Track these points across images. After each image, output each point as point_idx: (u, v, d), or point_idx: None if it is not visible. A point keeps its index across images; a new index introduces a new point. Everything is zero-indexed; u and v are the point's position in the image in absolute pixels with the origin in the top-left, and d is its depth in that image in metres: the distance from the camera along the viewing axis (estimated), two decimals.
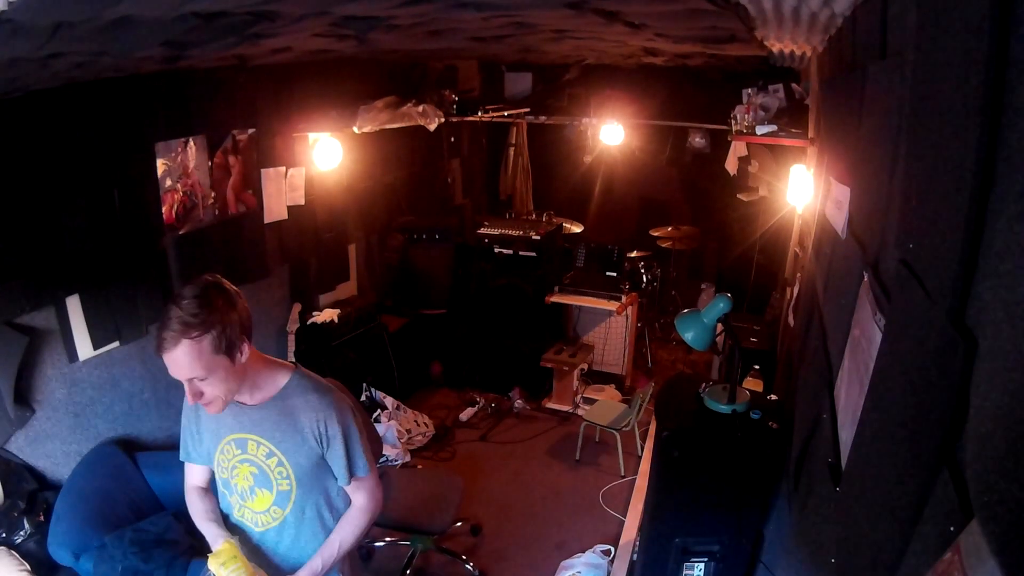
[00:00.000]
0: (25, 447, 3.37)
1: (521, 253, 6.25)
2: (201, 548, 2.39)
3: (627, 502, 4.84)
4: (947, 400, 0.99)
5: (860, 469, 1.50)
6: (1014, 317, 0.85)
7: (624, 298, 6.13)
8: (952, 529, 0.87)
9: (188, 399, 2.01)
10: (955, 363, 0.99)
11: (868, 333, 1.61)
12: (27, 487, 3.29)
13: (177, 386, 1.99)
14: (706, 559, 3.10)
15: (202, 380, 1.97)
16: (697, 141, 7.44)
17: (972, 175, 0.99)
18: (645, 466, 5.15)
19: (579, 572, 4.00)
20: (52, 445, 3.49)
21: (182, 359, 1.91)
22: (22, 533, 3.13)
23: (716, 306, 3.02)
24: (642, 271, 6.90)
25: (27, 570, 2.99)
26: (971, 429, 0.92)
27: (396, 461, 5.06)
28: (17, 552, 3.06)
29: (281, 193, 5.00)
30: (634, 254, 7.07)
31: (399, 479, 4.23)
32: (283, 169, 4.98)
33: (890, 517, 1.16)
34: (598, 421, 5.26)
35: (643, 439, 5.53)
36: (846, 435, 1.68)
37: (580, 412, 5.81)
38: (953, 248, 1.04)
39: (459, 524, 4.46)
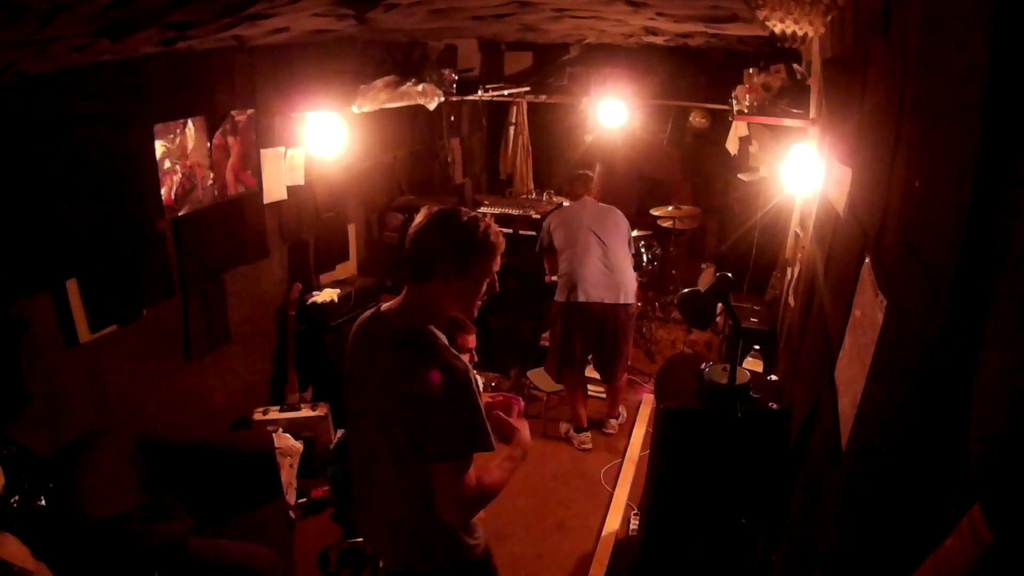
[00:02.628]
0: (25, 431, 3.37)
1: (521, 232, 6.24)
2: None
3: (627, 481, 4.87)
4: (949, 381, 0.99)
5: (860, 449, 1.50)
6: (1017, 298, 0.85)
7: None
8: (953, 513, 0.87)
9: None
10: (957, 344, 0.99)
11: (869, 314, 1.61)
12: (27, 472, 3.29)
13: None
14: (707, 538, 3.12)
15: None
16: (698, 121, 7.41)
17: (975, 156, 0.99)
18: (634, 449, 5.18)
19: None
20: (52, 429, 3.50)
21: None
22: (23, 518, 3.14)
23: (716, 286, 3.02)
24: (642, 251, 6.89)
25: (30, 555, 3.00)
26: (975, 410, 0.92)
27: None
28: (19, 537, 3.07)
29: (280, 173, 4.98)
30: (635, 233, 7.04)
31: None
32: (282, 149, 4.96)
33: (890, 498, 1.17)
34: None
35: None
36: (846, 416, 1.68)
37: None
38: (956, 230, 1.04)
39: None
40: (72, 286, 3.53)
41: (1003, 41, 0.94)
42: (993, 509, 0.73)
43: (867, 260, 1.75)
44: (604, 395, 5.71)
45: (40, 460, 3.37)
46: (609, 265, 5.09)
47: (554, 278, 5.31)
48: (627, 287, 5.14)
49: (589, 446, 5.30)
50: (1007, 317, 0.87)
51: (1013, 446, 0.74)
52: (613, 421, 5.57)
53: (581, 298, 4.99)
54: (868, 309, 1.64)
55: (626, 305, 5.11)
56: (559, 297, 5.14)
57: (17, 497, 3.13)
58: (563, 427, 5.53)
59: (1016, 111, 0.92)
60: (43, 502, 3.18)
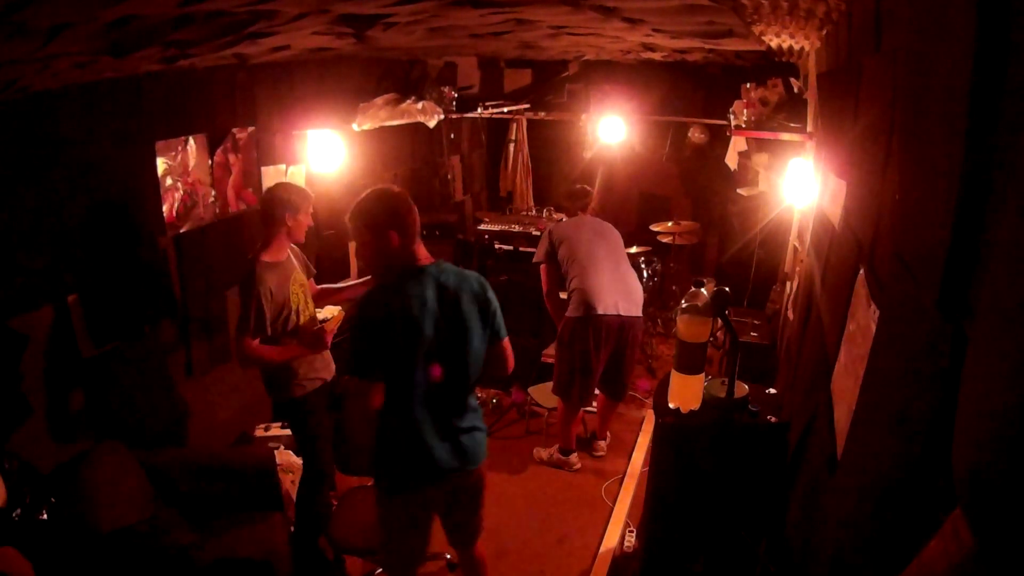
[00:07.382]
0: (27, 446, 3.38)
1: (522, 249, 6.25)
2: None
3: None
4: (936, 390, 1.00)
5: (854, 458, 1.51)
6: (1002, 308, 0.86)
7: None
8: (941, 516, 0.88)
9: None
10: (944, 353, 1.00)
11: (863, 325, 1.62)
12: (29, 486, 3.29)
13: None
14: (707, 552, 3.12)
15: None
16: (697, 136, 7.45)
17: (960, 168, 1.00)
18: (636, 465, 5.17)
19: None
20: (53, 444, 3.51)
21: None
22: (25, 532, 3.14)
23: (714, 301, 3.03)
24: (642, 266, 6.90)
25: (31, 569, 3.00)
26: (959, 417, 0.93)
27: None
28: (21, 551, 3.07)
29: None
30: (634, 249, 7.06)
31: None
32: (283, 167, 4.99)
33: (880, 504, 1.18)
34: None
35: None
36: (842, 426, 1.69)
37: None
38: (943, 241, 1.05)
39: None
40: (74, 302, 3.54)
41: (986, 57, 0.96)
42: (974, 512, 0.74)
43: (861, 272, 1.76)
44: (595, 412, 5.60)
45: (42, 474, 3.38)
46: (621, 278, 4.98)
47: (563, 295, 5.13)
48: (640, 299, 5.05)
49: (579, 466, 5.21)
50: (989, 325, 0.88)
51: (992, 450, 0.75)
52: (602, 443, 5.41)
53: (600, 310, 4.80)
54: (862, 320, 1.65)
55: (639, 318, 5.01)
56: (574, 312, 4.90)
57: (19, 511, 3.14)
58: (543, 453, 5.32)
59: (998, 127, 0.94)
60: (45, 516, 3.19)
